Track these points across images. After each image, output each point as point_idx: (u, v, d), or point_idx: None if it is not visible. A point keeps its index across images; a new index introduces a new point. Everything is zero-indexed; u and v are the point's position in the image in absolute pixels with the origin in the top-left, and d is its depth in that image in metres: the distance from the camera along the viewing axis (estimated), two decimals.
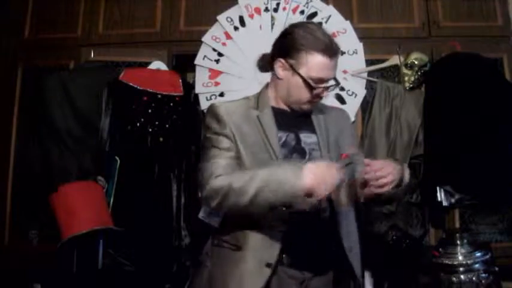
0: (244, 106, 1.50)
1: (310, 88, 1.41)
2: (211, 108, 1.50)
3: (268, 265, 1.37)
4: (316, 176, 1.24)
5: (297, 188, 1.24)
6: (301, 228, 1.39)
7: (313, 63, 1.39)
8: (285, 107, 1.50)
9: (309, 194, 1.25)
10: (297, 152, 1.45)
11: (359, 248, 1.50)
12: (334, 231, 1.44)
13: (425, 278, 2.09)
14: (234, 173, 1.37)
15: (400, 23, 2.50)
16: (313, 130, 1.49)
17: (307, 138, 1.47)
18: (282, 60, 1.45)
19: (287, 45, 1.44)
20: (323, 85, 1.43)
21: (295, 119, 1.49)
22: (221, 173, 1.37)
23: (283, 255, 1.39)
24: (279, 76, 1.47)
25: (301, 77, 1.41)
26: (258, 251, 1.38)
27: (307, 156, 1.44)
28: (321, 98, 1.47)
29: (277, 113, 1.49)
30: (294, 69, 1.42)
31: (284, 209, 1.31)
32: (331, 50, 1.40)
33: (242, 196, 1.29)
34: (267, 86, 1.54)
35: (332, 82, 1.45)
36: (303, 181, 1.24)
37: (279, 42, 1.49)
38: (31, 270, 2.31)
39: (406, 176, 1.41)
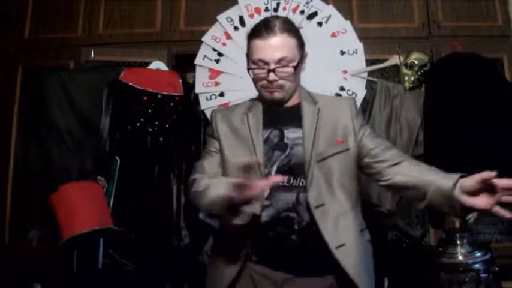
0: (242, 109, 1.56)
1: (248, 71, 1.47)
2: (211, 114, 1.62)
3: (237, 258, 1.39)
4: (238, 188, 1.22)
5: (221, 197, 1.27)
6: (271, 224, 1.38)
7: (251, 48, 1.47)
8: None
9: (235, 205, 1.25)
10: (278, 149, 1.45)
11: (359, 246, 1.39)
12: (315, 227, 1.36)
13: (425, 278, 2.09)
14: (204, 177, 1.44)
15: (400, 23, 2.50)
16: (299, 125, 1.47)
17: (291, 134, 1.46)
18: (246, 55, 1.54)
19: None
20: (266, 67, 1.42)
21: (282, 115, 1.50)
22: (200, 173, 1.48)
23: (251, 252, 1.39)
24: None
25: (247, 63, 1.49)
26: (232, 245, 1.41)
27: (287, 151, 1.44)
28: (271, 82, 1.43)
29: (266, 111, 1.51)
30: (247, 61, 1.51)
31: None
32: (264, 31, 1.43)
33: (201, 199, 1.38)
34: None
35: (283, 64, 1.43)
36: (226, 192, 1.25)
37: None
38: (31, 270, 2.31)
39: None
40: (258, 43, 1.43)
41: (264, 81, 1.45)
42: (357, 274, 1.34)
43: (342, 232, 1.37)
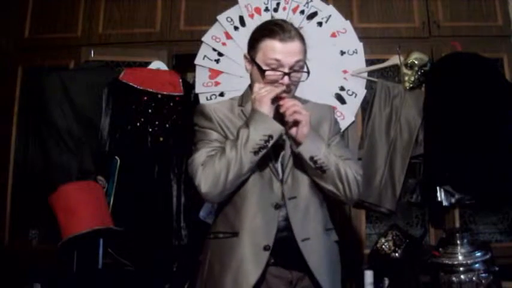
0: (230, 104, 1.55)
1: (263, 72, 1.42)
2: (198, 108, 1.57)
3: (266, 248, 1.36)
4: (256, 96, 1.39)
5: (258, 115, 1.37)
6: (287, 224, 1.40)
7: (265, 48, 1.42)
8: None
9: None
10: (280, 145, 1.46)
11: (324, 244, 1.42)
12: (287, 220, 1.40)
13: (425, 278, 2.09)
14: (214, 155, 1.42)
15: (400, 23, 2.50)
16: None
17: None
18: (246, 54, 1.51)
19: (248, 41, 1.51)
20: (281, 70, 1.40)
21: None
22: (206, 159, 1.42)
23: (270, 255, 1.37)
24: (247, 70, 1.52)
25: (256, 63, 1.44)
26: (255, 233, 1.38)
27: (286, 148, 1.46)
28: (286, 86, 1.42)
29: None
30: (252, 59, 1.46)
31: (268, 145, 1.36)
32: (283, 34, 1.41)
33: (231, 165, 1.36)
34: (250, 86, 1.57)
35: (296, 69, 1.42)
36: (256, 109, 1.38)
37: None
38: (31, 270, 2.31)
39: (322, 151, 1.39)
40: (277, 45, 1.41)
41: (271, 83, 1.43)
42: (318, 270, 1.38)
43: (309, 226, 1.41)
